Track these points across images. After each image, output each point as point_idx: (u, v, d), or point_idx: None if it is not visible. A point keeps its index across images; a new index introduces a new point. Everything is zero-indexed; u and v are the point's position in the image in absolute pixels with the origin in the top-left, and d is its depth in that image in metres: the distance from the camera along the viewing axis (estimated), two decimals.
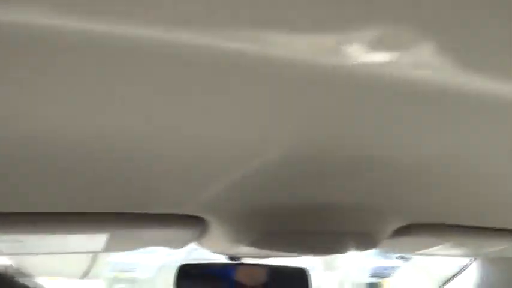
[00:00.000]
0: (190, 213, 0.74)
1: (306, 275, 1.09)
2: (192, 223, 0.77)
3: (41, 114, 0.39)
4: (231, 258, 1.11)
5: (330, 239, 0.80)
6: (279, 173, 0.57)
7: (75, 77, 0.34)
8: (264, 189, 0.64)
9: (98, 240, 0.78)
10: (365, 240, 0.83)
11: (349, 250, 0.86)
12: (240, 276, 1.07)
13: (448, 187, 0.66)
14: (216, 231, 0.79)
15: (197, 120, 0.42)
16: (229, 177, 0.57)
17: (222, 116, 0.41)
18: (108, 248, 0.86)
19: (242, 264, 1.07)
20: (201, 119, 0.42)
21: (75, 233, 0.72)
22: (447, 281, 1.46)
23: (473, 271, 1.39)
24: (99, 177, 0.55)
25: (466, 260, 1.41)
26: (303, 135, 0.47)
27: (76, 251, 0.85)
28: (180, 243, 0.85)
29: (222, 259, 1.09)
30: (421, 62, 0.34)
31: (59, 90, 0.35)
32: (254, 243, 0.78)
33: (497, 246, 1.08)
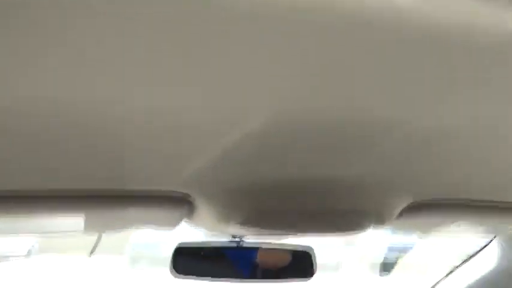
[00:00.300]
0: (174, 191, 0.68)
1: (311, 254, 1.04)
2: (177, 202, 0.71)
3: (6, 83, 0.35)
4: (233, 237, 1.06)
5: (330, 218, 0.74)
6: (266, 145, 0.51)
7: (47, 44, 0.30)
8: (251, 163, 0.58)
9: (79, 219, 0.73)
10: (370, 219, 0.76)
11: (351, 230, 0.80)
12: (240, 255, 1.02)
13: (465, 158, 0.59)
14: (205, 209, 0.73)
15: (171, 88, 0.37)
16: (211, 150, 0.51)
17: (197, 81, 0.36)
18: (93, 228, 0.82)
19: (241, 243, 1.01)
20: (174, 87, 0.37)
21: (52, 213, 0.68)
22: (466, 259, 1.39)
23: (493, 250, 1.32)
24: (74, 152, 0.50)
25: (485, 239, 1.34)
26: (292, 98, 0.40)
27: (56, 231, 0.81)
28: (169, 223, 0.80)
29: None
30: None
31: (28, 58, 0.32)
32: (246, 222, 0.72)
33: None
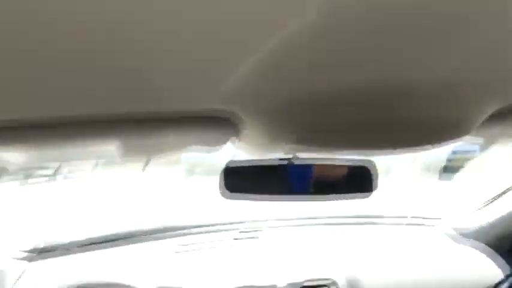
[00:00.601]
0: (217, 109, 0.60)
1: (371, 168, 0.95)
2: (221, 120, 0.63)
3: None
4: (286, 154, 0.98)
5: (399, 131, 0.64)
6: (320, 46, 0.43)
7: None
8: (303, 71, 0.49)
9: (117, 146, 0.68)
10: (448, 130, 0.66)
11: (423, 144, 0.70)
12: (294, 171, 0.95)
13: None
14: (253, 127, 0.65)
15: None
16: (254, 55, 0.44)
17: None
18: (132, 154, 0.77)
19: (295, 159, 0.93)
20: None
21: (86, 140, 0.62)
22: None
23: None
24: (107, 71, 0.46)
25: None
26: None
27: (94, 158, 0.77)
28: (214, 144, 0.73)
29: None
30: None
31: None
32: (299, 139, 0.64)
33: None
